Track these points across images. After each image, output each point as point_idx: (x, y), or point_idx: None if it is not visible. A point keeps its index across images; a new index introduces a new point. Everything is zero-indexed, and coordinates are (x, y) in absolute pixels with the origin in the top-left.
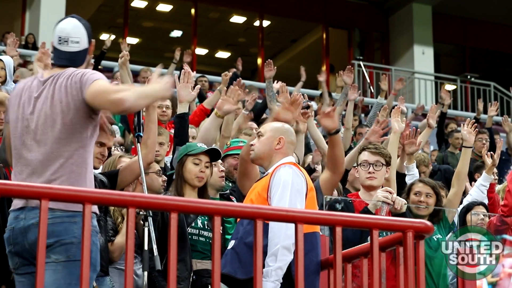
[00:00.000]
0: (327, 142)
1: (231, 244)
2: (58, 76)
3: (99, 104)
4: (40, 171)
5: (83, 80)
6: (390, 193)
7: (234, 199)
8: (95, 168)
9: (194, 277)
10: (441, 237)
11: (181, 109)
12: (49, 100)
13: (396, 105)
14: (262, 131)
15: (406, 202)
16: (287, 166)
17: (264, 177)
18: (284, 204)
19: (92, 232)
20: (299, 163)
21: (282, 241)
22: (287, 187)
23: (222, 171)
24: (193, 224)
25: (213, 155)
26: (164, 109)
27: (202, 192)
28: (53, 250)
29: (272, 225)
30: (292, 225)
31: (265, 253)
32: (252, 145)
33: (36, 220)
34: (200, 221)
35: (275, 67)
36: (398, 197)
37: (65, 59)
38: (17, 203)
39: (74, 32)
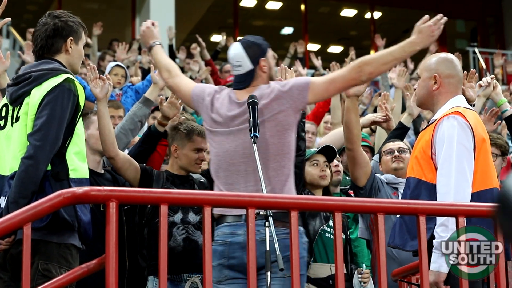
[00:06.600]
0: None
1: None
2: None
3: None
4: None
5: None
6: None
7: (352, 193)
8: (195, 173)
9: (331, 282)
10: None
11: None
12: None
13: None
14: (419, 72)
15: None
16: (451, 117)
17: (429, 127)
18: (450, 164)
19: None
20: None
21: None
22: (452, 144)
23: (336, 165)
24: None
25: (329, 153)
26: None
27: (326, 193)
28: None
29: (441, 190)
30: (464, 189)
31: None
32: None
33: (260, 236)
34: (331, 220)
35: None
36: None
37: (236, 82)
38: (229, 215)
39: (235, 57)
